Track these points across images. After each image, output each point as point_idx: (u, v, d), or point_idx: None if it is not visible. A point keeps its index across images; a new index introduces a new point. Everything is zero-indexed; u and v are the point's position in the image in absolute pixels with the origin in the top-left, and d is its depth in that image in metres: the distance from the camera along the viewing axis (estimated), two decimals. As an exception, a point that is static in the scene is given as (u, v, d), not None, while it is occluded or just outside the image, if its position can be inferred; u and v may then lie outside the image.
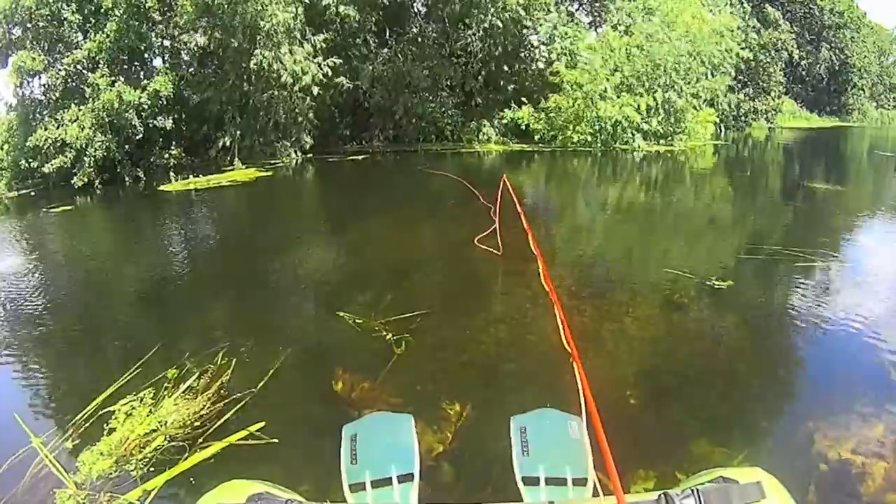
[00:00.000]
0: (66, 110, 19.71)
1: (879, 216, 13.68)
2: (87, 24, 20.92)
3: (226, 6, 20.41)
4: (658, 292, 7.72)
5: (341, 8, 24.07)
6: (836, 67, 56.25)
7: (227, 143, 23.05)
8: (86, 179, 19.21)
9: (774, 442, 4.39)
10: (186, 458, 4.16)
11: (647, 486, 3.84)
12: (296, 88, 22.81)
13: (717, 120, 31.72)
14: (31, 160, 20.11)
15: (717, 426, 4.55)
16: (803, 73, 53.26)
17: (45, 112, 20.65)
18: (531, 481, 3.07)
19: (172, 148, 22.66)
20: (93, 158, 19.20)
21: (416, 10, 27.98)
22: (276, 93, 22.75)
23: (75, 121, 19.38)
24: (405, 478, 3.07)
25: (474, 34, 26.30)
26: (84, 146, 19.11)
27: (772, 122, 41.69)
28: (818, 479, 3.92)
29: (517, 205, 10.92)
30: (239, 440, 4.37)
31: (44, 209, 16.50)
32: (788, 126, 46.95)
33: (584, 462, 3.22)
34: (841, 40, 55.37)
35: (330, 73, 23.40)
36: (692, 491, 2.16)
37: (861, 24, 60.00)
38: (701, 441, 4.28)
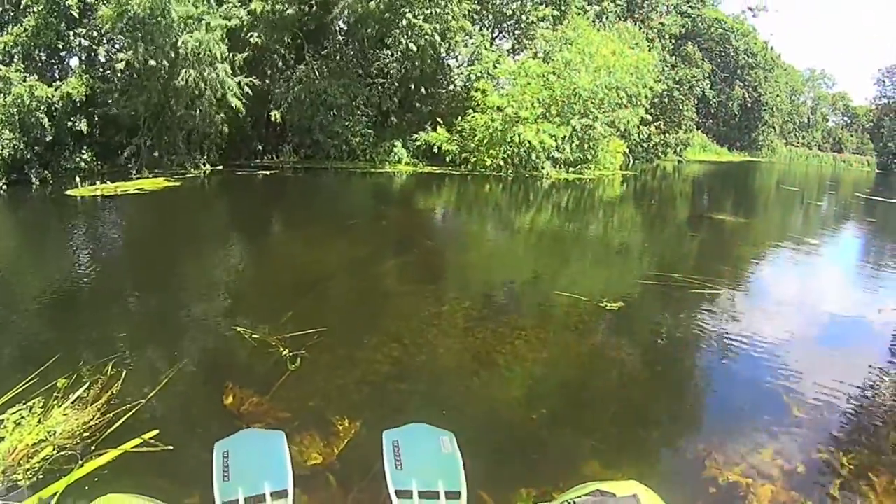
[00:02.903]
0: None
1: (782, 248, 14.37)
2: (6, 17, 20.37)
3: (143, 16, 20.12)
4: (555, 316, 7.98)
5: (253, 38, 24.18)
6: (749, 105, 58.37)
7: (138, 151, 22.65)
8: (-8, 180, 18.66)
9: (664, 465, 4.57)
10: (82, 466, 4.12)
11: (526, 503, 3.97)
12: (211, 102, 22.59)
13: (627, 150, 32.59)
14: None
15: (607, 449, 4.70)
16: (715, 109, 55.00)
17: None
18: (404, 495, 3.27)
19: (83, 152, 22.09)
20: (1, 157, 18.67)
21: (336, 28, 27.95)
22: (195, 105, 22.49)
23: (-17, 118, 18.81)
24: (279, 494, 3.21)
25: (391, 55, 26.45)
26: (-9, 143, 18.56)
27: (681, 155, 42.87)
28: (706, 501, 4.12)
29: None
30: (133, 448, 4.35)
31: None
32: (698, 159, 48.49)
33: (457, 476, 3.40)
34: (755, 79, 57.56)
35: (248, 92, 23.27)
36: None
37: (775, 64, 62.71)
38: (590, 462, 4.42)
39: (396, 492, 3.29)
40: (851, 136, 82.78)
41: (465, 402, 5.45)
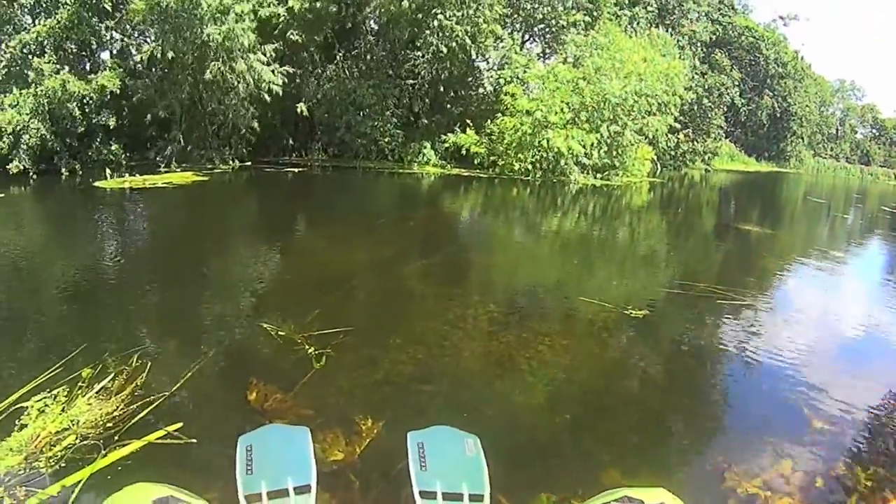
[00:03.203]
0: (6, 94, 19.29)
1: (807, 260, 14.15)
2: (39, 9, 20.53)
3: (175, 8, 20.21)
4: (579, 322, 7.92)
5: (290, 35, 24.32)
6: (778, 115, 57.85)
7: (168, 145, 22.79)
8: (21, 167, 18.82)
9: (683, 474, 4.48)
10: (105, 455, 4.12)
11: (551, 507, 3.94)
12: (243, 97, 22.72)
13: (655, 157, 32.32)
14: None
15: (628, 456, 4.66)
16: (745, 118, 54.59)
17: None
18: (428, 496, 3.30)
19: (113, 144, 22.26)
20: (27, 146, 18.81)
21: (367, 29, 28.00)
22: (225, 101, 22.63)
23: (15, 106, 18.98)
24: (302, 489, 3.26)
25: (422, 57, 26.45)
26: (20, 132, 18.73)
27: (709, 164, 42.55)
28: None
29: None
30: (157, 439, 4.35)
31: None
32: (726, 168, 48.12)
33: (482, 479, 3.44)
34: (784, 89, 56.99)
35: (283, 82, 23.33)
36: None
37: (805, 74, 62.08)
38: (610, 470, 4.36)
39: (421, 492, 3.32)
40: (879, 148, 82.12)
41: (488, 405, 5.41)
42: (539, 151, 25.73)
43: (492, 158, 27.10)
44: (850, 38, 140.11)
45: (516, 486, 3.97)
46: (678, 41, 36.15)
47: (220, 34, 20.82)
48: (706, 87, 39.42)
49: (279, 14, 24.01)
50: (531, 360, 6.36)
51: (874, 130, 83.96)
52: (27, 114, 18.68)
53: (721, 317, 8.50)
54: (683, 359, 7.00)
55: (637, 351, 7.17)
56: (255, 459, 3.40)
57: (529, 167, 26.01)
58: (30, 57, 19.56)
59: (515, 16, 31.25)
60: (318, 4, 24.61)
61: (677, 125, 32.41)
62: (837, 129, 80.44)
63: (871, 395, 6.07)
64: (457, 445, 3.68)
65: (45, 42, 19.77)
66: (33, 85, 19.05)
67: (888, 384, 6.48)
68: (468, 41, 26.06)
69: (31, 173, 18.95)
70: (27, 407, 4.62)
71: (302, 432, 3.71)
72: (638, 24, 34.62)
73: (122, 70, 21.59)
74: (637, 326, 7.75)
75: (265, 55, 22.95)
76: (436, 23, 25.26)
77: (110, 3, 21.00)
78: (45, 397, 4.78)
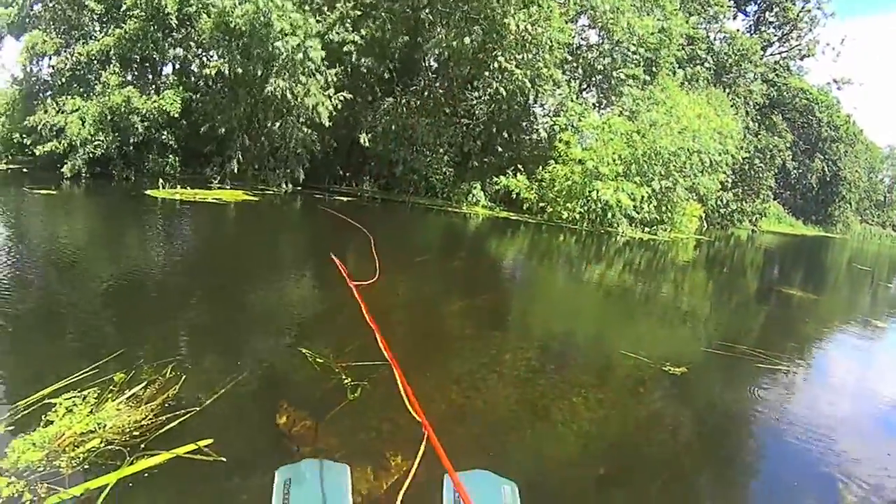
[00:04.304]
0: (68, 97, 19.74)
1: (850, 327, 13.83)
2: (106, 18, 21.06)
3: (245, 30, 20.55)
4: (615, 375, 7.79)
5: (361, 60, 24.59)
6: (827, 178, 57.25)
7: (223, 163, 23.11)
8: (75, 171, 19.24)
9: None
10: (133, 463, 4.08)
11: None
12: (302, 120, 23.00)
13: (703, 215, 32.09)
14: (25, 138, 20.16)
15: None
16: (794, 180, 54.15)
17: (47, 94, 20.72)
18: None
19: (169, 157, 22.65)
20: (89, 154, 19.24)
21: (427, 65, 28.27)
22: (284, 121, 22.92)
23: (76, 111, 19.39)
24: None
25: (480, 97, 26.60)
26: (82, 142, 19.15)
27: (756, 224, 42.16)
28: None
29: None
30: (186, 453, 4.28)
31: (26, 188, 16.55)
32: (772, 230, 47.60)
33: None
34: (835, 153, 56.45)
35: (339, 107, 23.61)
36: None
37: (856, 139, 61.38)
38: None
39: None
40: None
41: (519, 452, 5.29)
42: (588, 202, 25.62)
43: (541, 205, 27.06)
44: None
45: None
46: (733, 101, 36.06)
47: (288, 49, 21.09)
48: (759, 147, 39.20)
49: (351, 40, 24.28)
50: (564, 410, 6.22)
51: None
52: (91, 124, 19.12)
53: (758, 380, 8.32)
54: (717, 421, 6.82)
55: (672, 409, 7.04)
56: (292, 494, 3.33)
57: (577, 216, 25.86)
58: (94, 63, 20.03)
59: (575, 64, 31.30)
60: (388, 35, 24.90)
61: (727, 184, 32.15)
62: (885, 196, 79.46)
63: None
64: (494, 491, 3.59)
65: (112, 52, 20.22)
66: (99, 96, 19.50)
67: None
68: (528, 84, 26.16)
69: (85, 175, 19.36)
70: (55, 404, 4.62)
71: (342, 469, 3.63)
72: (696, 81, 34.61)
73: (182, 88, 22.03)
74: (674, 384, 7.61)
75: (328, 80, 23.23)
76: (496, 64, 25.40)
77: (176, 20, 21.46)
78: (74, 397, 4.77)
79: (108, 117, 19.61)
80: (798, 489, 5.28)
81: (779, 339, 11.43)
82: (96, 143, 19.28)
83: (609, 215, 25.85)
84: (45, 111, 19.70)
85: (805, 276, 26.20)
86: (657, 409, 7.02)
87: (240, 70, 21.36)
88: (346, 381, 5.92)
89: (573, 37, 29.75)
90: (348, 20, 24.23)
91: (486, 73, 25.84)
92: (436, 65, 28.61)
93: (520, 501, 3.53)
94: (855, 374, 9.97)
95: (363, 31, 24.38)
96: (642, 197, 26.08)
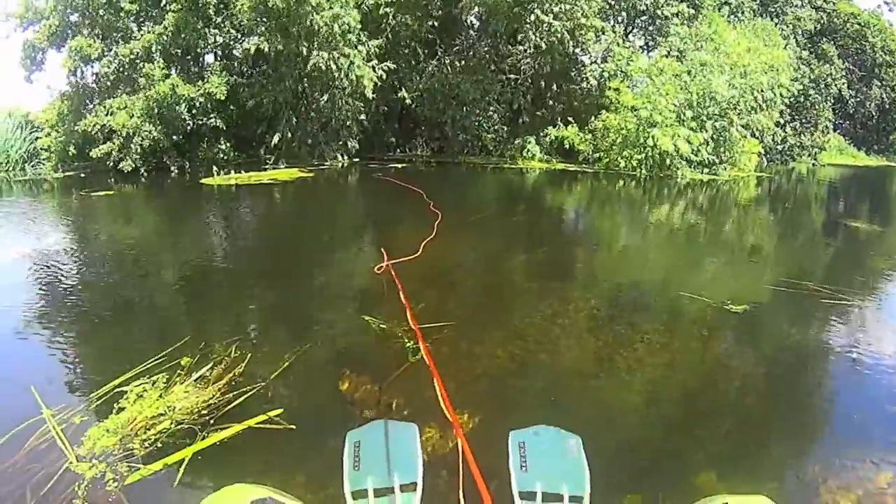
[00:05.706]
0: (116, 98, 20.02)
1: None
2: (144, 16, 21.26)
3: (283, 7, 20.53)
4: (679, 319, 7.80)
5: (398, 16, 24.28)
6: (887, 106, 55.24)
7: (276, 143, 23.25)
8: (132, 166, 19.56)
9: (780, 484, 4.28)
10: (206, 437, 4.29)
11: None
12: (348, 91, 22.98)
13: (762, 152, 31.32)
14: (79, 144, 20.52)
15: (724, 461, 4.50)
16: (853, 109, 52.43)
17: (95, 99, 21.02)
18: (528, 496, 3.23)
19: (221, 143, 22.89)
20: (139, 147, 19.52)
21: (468, 24, 28.00)
22: (330, 95, 22.97)
23: (124, 108, 19.69)
24: (408, 487, 3.23)
25: (525, 51, 26.27)
26: (131, 134, 19.42)
27: (816, 158, 41.01)
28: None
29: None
30: (257, 424, 4.50)
31: (84, 192, 16.99)
32: (834, 162, 46.17)
33: (583, 481, 3.34)
34: (892, 78, 54.36)
35: (384, 78, 23.57)
36: None
37: (914, 62, 59.04)
38: (705, 474, 4.25)
39: (520, 493, 3.25)
40: None
41: (584, 403, 5.37)
42: (645, 149, 25.07)
43: (596, 154, 26.72)
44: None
45: (613, 488, 3.89)
46: (782, 31, 34.89)
47: (325, 19, 21.08)
48: (812, 77, 37.98)
49: (385, 2, 24.18)
50: (629, 358, 6.25)
51: None
52: (139, 117, 19.37)
53: (826, 317, 8.07)
54: (784, 360, 6.66)
55: (737, 351, 6.94)
56: (362, 455, 3.40)
57: (635, 164, 25.37)
58: (137, 62, 20.23)
59: (617, 7, 30.60)
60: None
61: (783, 119, 31.30)
62: (950, 119, 76.66)
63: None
64: (559, 446, 3.59)
65: (154, 48, 20.39)
66: (144, 89, 19.73)
67: None
68: (567, 36, 25.71)
69: (141, 171, 19.73)
70: (126, 392, 4.87)
71: (410, 429, 3.69)
72: (742, 13, 33.65)
73: (227, 73, 22.14)
74: (739, 325, 7.51)
75: (368, 51, 23.18)
76: (533, 17, 25.02)
77: (213, 8, 21.57)
78: (144, 383, 5.02)
79: (156, 110, 19.84)
80: (869, 429, 5.14)
81: (845, 274, 11.17)
82: (144, 132, 19.51)
83: (668, 162, 25.34)
84: (95, 115, 20.03)
85: (870, 208, 25.47)
86: (722, 352, 6.96)
87: (281, 47, 21.40)
88: (408, 344, 6.05)
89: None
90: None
91: (526, 27, 25.43)
92: (477, 22, 28.32)
93: (584, 455, 3.53)
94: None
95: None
96: (700, 142, 25.46)
